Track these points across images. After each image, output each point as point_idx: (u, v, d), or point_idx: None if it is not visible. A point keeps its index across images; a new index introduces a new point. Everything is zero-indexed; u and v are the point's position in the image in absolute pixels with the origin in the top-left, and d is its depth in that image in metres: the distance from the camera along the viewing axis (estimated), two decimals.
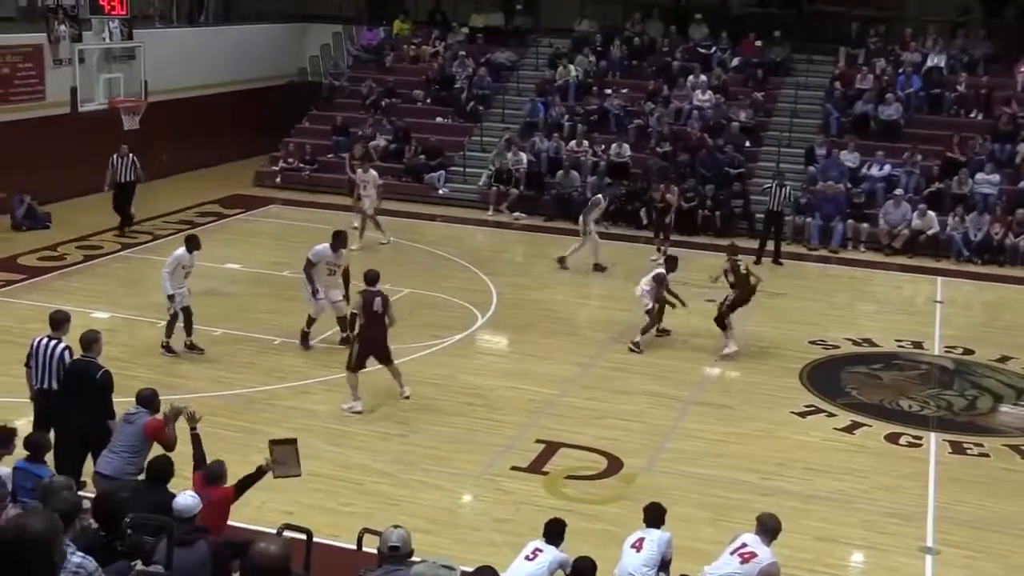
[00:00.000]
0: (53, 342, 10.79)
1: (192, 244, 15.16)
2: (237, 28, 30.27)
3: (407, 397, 13.80)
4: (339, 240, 15.57)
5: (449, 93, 28.59)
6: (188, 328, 15.09)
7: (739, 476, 12.27)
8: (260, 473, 9.10)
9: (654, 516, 8.91)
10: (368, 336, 13.38)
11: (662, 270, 16.39)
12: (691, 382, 15.21)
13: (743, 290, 16.07)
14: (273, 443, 9.34)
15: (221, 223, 23.18)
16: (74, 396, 10.41)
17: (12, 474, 8.60)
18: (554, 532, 8.76)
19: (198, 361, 15.09)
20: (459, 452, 12.64)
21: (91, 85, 22.72)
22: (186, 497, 7.86)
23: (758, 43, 28.51)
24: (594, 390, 14.67)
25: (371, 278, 13.55)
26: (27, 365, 10.96)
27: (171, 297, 14.86)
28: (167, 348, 15.06)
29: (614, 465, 12.38)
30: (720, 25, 29.43)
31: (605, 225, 20.82)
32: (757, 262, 21.08)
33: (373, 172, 22.05)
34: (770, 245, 21.59)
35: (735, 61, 28.39)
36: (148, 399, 9.90)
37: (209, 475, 8.85)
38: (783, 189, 21.62)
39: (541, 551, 8.61)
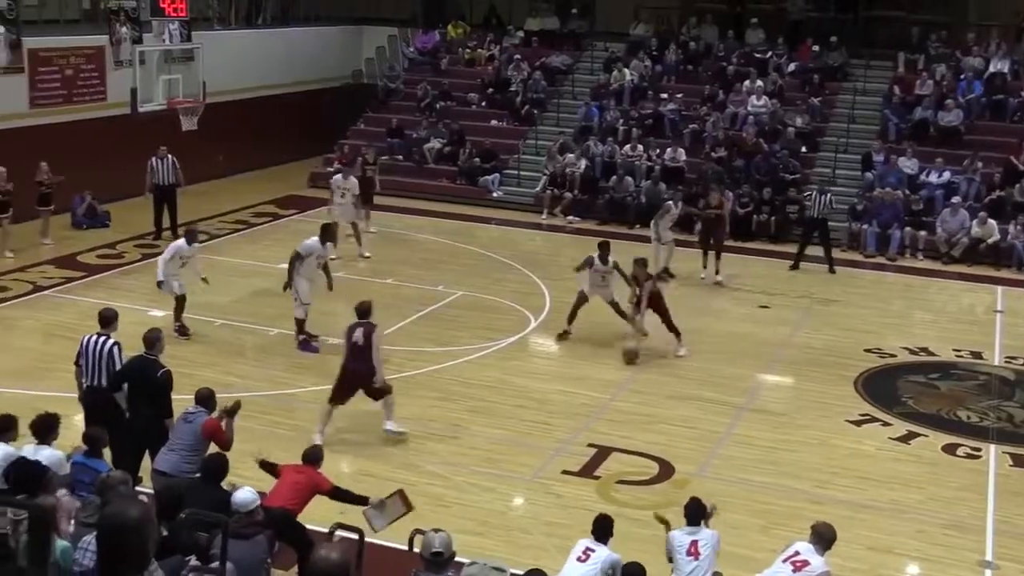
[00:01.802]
0: (102, 339, 10.92)
1: (191, 237, 16.07)
2: (294, 30, 30.53)
3: (390, 431, 12.73)
4: (327, 234, 15.91)
5: (504, 96, 28.62)
6: (176, 313, 15.74)
7: (792, 484, 12.17)
8: (362, 502, 9.45)
9: (694, 513, 8.81)
10: (348, 368, 12.57)
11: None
12: (744, 388, 15.08)
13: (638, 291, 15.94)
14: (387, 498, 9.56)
15: (276, 223, 23.38)
16: (134, 394, 10.54)
17: (71, 468, 8.72)
18: (602, 530, 8.77)
19: (255, 361, 15.24)
20: (510, 455, 12.64)
21: (150, 86, 23.02)
22: (245, 492, 7.95)
23: (815, 48, 28.27)
24: (646, 395, 14.61)
25: (361, 311, 12.68)
26: (76, 363, 11.08)
27: (160, 283, 15.56)
28: (180, 330, 15.59)
29: (666, 470, 12.32)
30: (777, 30, 29.22)
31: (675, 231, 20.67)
32: (795, 267, 20.96)
33: (354, 180, 21.03)
34: (814, 251, 21.28)
35: (792, 66, 28.17)
36: (206, 399, 10.07)
37: (306, 455, 9.42)
38: (824, 196, 21.36)
39: (593, 551, 8.61)
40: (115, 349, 10.83)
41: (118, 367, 10.69)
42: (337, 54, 31.64)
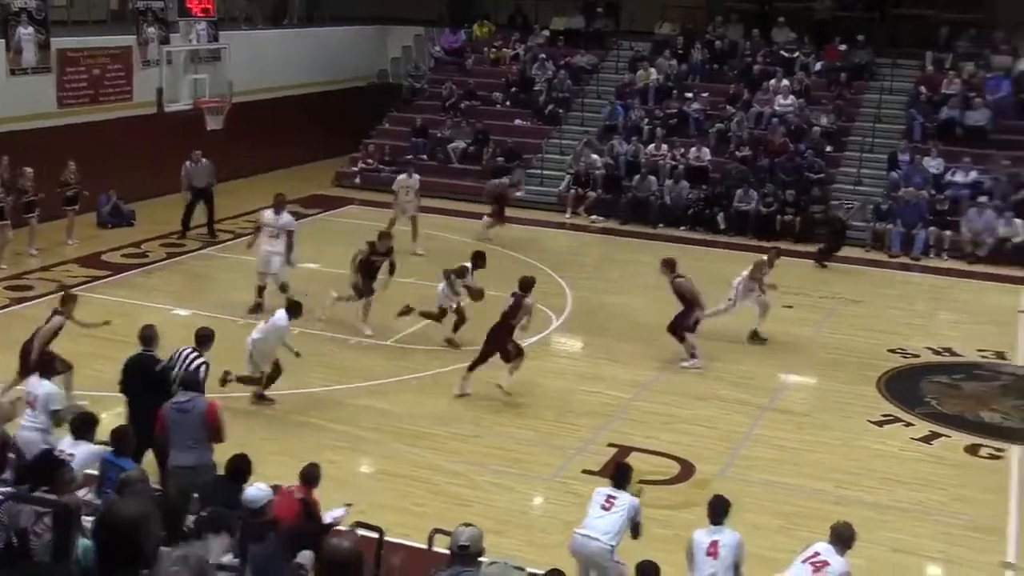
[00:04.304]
0: (194, 354, 11.05)
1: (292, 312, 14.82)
2: (320, 30, 30.64)
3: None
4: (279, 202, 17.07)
5: (528, 95, 28.64)
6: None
7: (814, 484, 12.15)
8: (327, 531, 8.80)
9: (718, 510, 8.80)
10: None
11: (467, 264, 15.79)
12: (766, 389, 15.05)
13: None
14: None
15: (300, 222, 23.40)
16: (134, 392, 10.67)
17: (99, 466, 8.83)
18: (622, 477, 8.88)
19: None
20: (531, 454, 12.67)
21: (177, 86, 23.17)
22: (256, 488, 7.97)
23: (842, 47, 28.14)
24: (668, 395, 14.61)
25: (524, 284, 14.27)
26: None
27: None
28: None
29: (686, 470, 12.32)
30: (803, 29, 29.11)
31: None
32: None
33: (417, 177, 21.57)
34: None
35: (818, 65, 28.05)
36: (193, 382, 10.16)
37: (303, 475, 8.90)
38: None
39: (616, 498, 8.83)
40: (203, 368, 10.89)
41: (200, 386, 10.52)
42: (363, 54, 31.75)
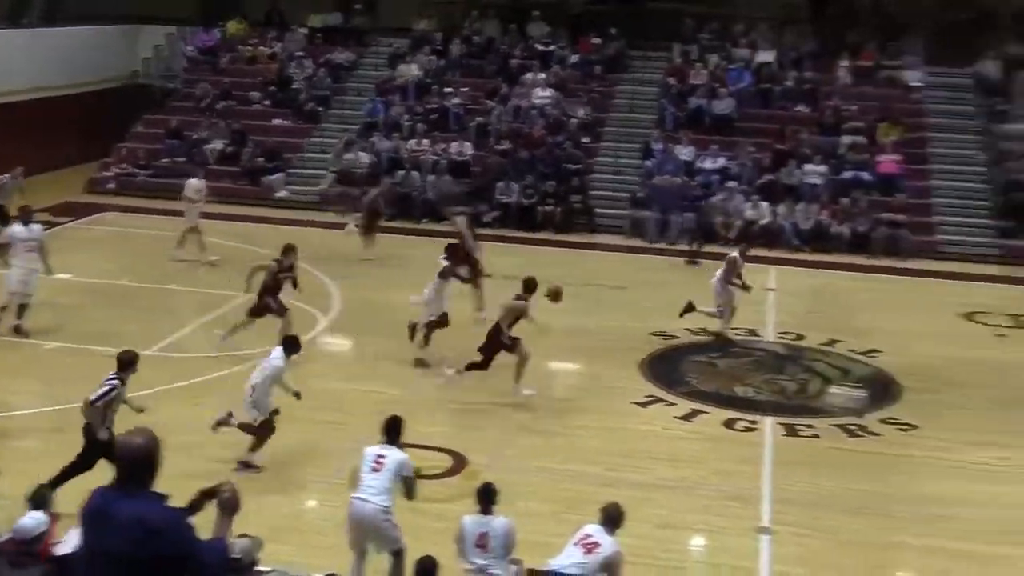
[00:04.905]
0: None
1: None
2: (64, 30, 29.30)
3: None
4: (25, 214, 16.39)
5: (287, 94, 28.26)
6: None
7: (584, 469, 12.47)
8: None
9: (486, 498, 8.84)
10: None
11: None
12: (534, 377, 15.27)
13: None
14: None
15: (51, 232, 22.33)
16: None
17: None
18: (393, 431, 9.18)
19: (25, 376, 14.59)
20: (305, 458, 12.51)
21: None
22: (29, 518, 7.63)
23: (596, 40, 28.95)
24: (440, 390, 14.68)
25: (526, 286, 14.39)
26: None
27: None
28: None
29: (459, 463, 12.44)
30: (559, 23, 29.79)
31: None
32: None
33: (204, 182, 21.23)
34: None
35: (573, 58, 28.78)
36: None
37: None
38: None
39: (384, 457, 8.98)
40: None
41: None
42: (113, 54, 30.59)
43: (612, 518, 8.73)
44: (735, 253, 17.46)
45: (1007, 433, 14.01)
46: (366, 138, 26.27)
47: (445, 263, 15.74)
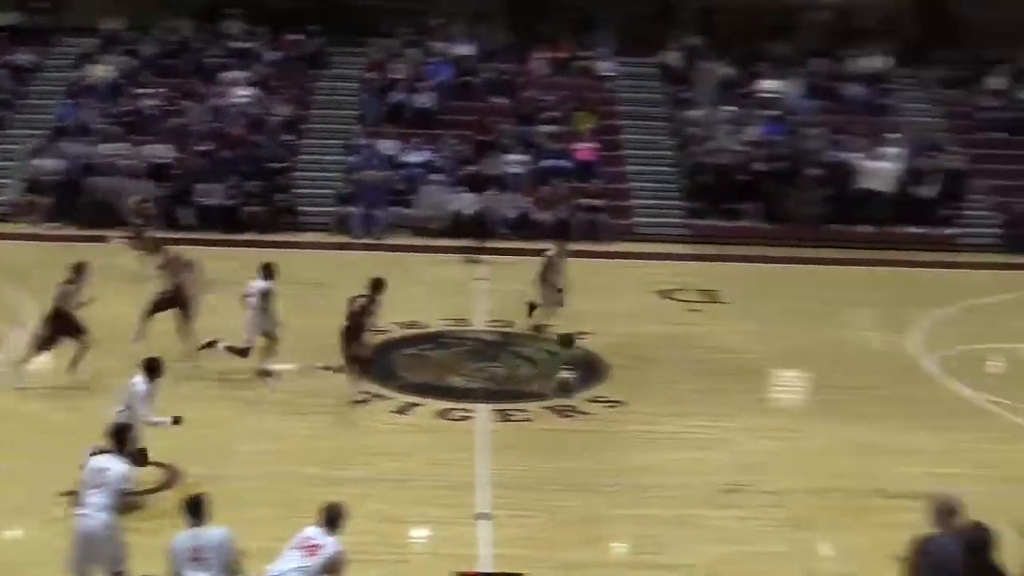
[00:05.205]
0: None
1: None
2: None
3: None
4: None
5: None
6: None
7: (306, 470, 12.46)
8: None
9: (195, 509, 8.59)
10: None
11: None
12: (245, 381, 15.05)
13: None
14: None
15: None
16: None
17: None
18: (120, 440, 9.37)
19: None
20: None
21: None
22: None
23: (296, 37, 28.65)
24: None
25: None
26: None
27: None
28: None
29: (174, 476, 12.10)
30: (258, 20, 29.27)
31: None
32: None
33: None
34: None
35: (273, 56, 28.39)
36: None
37: None
38: None
39: (108, 469, 9.01)
40: None
41: None
42: None
43: (332, 518, 8.75)
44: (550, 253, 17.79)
45: (707, 403, 14.95)
46: (57, 143, 25.03)
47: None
